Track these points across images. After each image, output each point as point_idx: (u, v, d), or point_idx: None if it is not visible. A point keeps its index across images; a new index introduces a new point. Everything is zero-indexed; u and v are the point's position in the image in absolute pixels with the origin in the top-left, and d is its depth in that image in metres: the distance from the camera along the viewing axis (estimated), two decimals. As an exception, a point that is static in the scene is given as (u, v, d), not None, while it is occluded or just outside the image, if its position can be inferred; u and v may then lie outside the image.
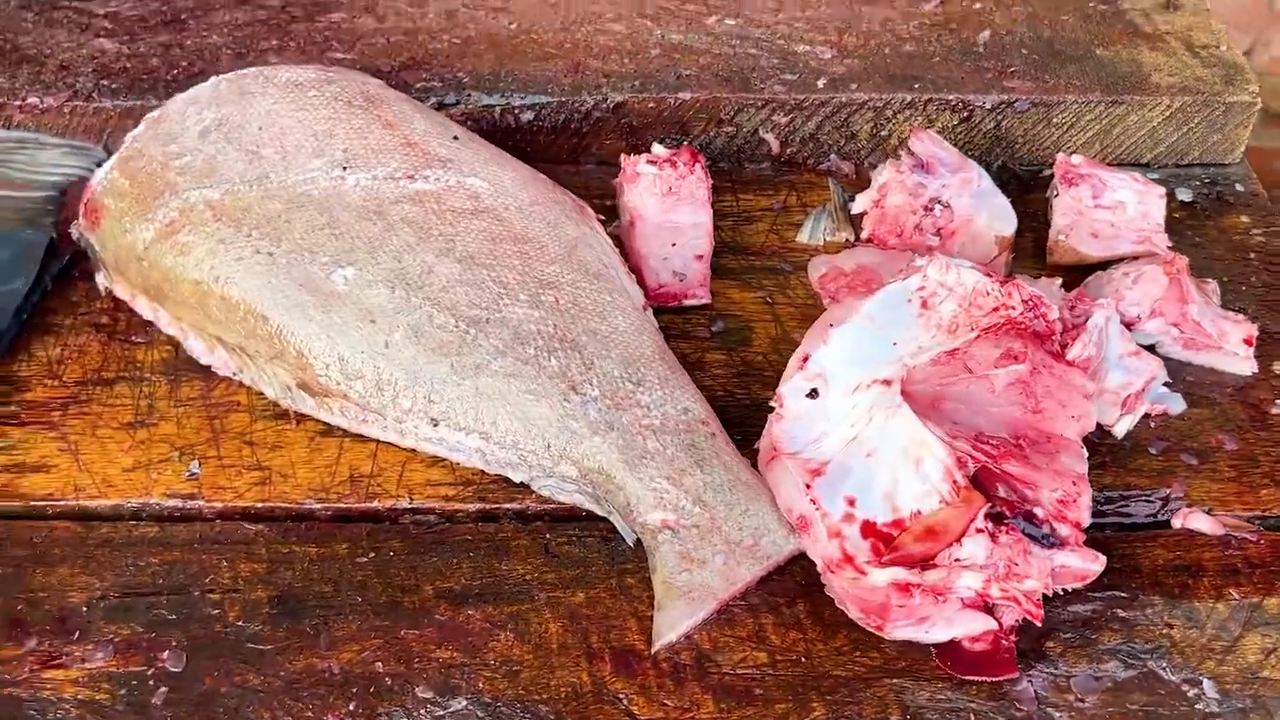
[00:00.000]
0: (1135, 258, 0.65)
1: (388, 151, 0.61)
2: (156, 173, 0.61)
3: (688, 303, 0.65)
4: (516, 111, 0.73)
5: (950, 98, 0.71)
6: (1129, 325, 0.61)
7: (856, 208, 0.68)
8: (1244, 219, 0.71)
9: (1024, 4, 0.79)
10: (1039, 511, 0.51)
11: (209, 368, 0.62)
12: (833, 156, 0.74)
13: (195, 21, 0.81)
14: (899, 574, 0.48)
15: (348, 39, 0.79)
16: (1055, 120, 0.72)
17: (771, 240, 0.70)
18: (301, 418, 0.60)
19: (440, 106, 0.73)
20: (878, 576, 0.49)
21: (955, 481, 0.51)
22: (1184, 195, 0.72)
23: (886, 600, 0.49)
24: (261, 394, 0.60)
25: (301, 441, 0.59)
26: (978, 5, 0.79)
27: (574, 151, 0.75)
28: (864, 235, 0.68)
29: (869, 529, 0.51)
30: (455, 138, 0.63)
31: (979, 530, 0.49)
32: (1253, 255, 0.68)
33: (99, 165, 0.75)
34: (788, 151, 0.74)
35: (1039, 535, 0.51)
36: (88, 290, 0.67)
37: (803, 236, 0.69)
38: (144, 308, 0.63)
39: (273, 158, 0.60)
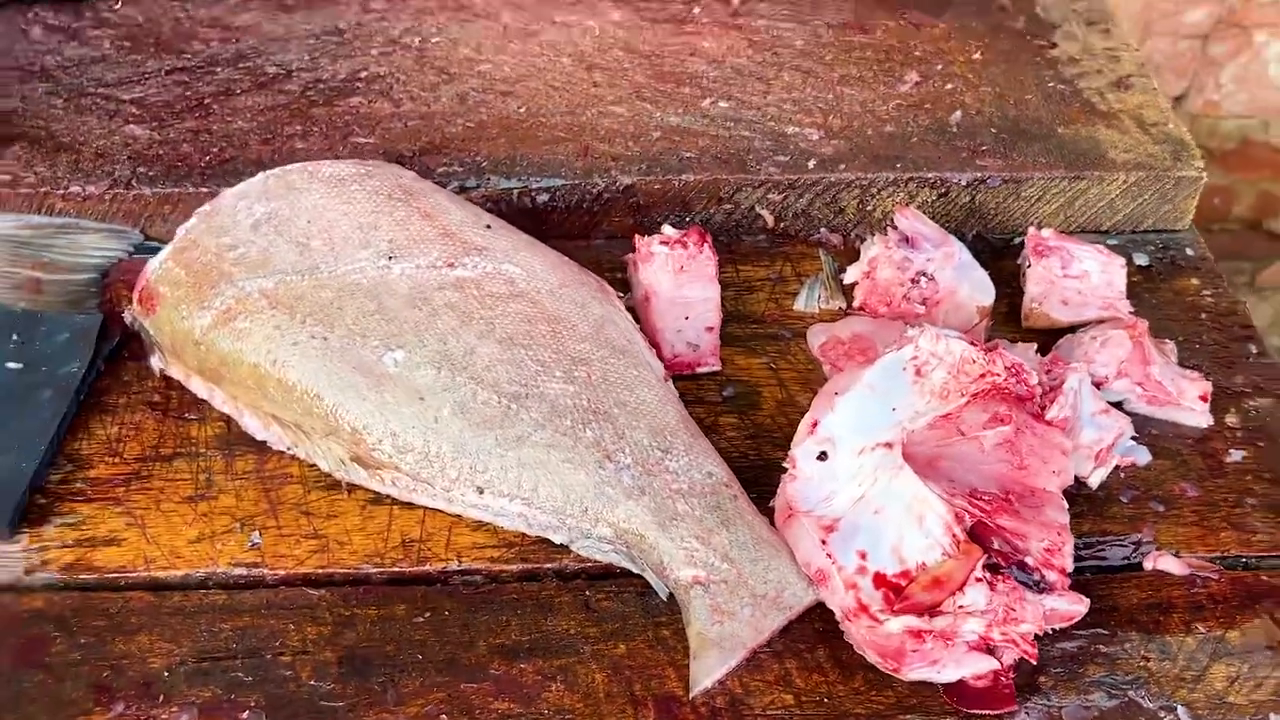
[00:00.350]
0: (1101, 322, 0.72)
1: (428, 241, 0.66)
2: (211, 263, 0.66)
3: (701, 370, 0.71)
4: (533, 194, 0.79)
5: (929, 176, 0.79)
6: (1098, 385, 0.68)
7: (848, 278, 0.75)
8: (1195, 281, 0.78)
9: (990, 84, 0.86)
10: (1029, 560, 0.58)
11: (263, 443, 0.66)
12: (823, 230, 0.81)
13: (219, 106, 0.86)
14: (912, 622, 0.54)
15: (368, 123, 0.84)
16: (1024, 194, 0.79)
17: (771, 308, 0.76)
18: (353, 487, 0.65)
19: (462, 189, 0.78)
20: (893, 625, 0.55)
21: (955, 535, 0.57)
22: (1140, 259, 0.80)
23: (902, 645, 0.55)
24: (313, 466, 0.65)
25: (354, 510, 0.64)
26: (949, 86, 0.86)
27: (585, 228, 0.81)
28: (856, 304, 0.74)
29: (880, 580, 0.57)
30: (488, 226, 0.68)
31: (978, 579, 0.56)
32: (1204, 315, 0.76)
33: (136, 248, 0.80)
34: (781, 225, 0.81)
35: (1031, 582, 0.57)
36: (138, 370, 0.72)
37: (799, 304, 0.76)
38: (199, 387, 0.68)
39: (322, 249, 0.66)
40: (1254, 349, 0.73)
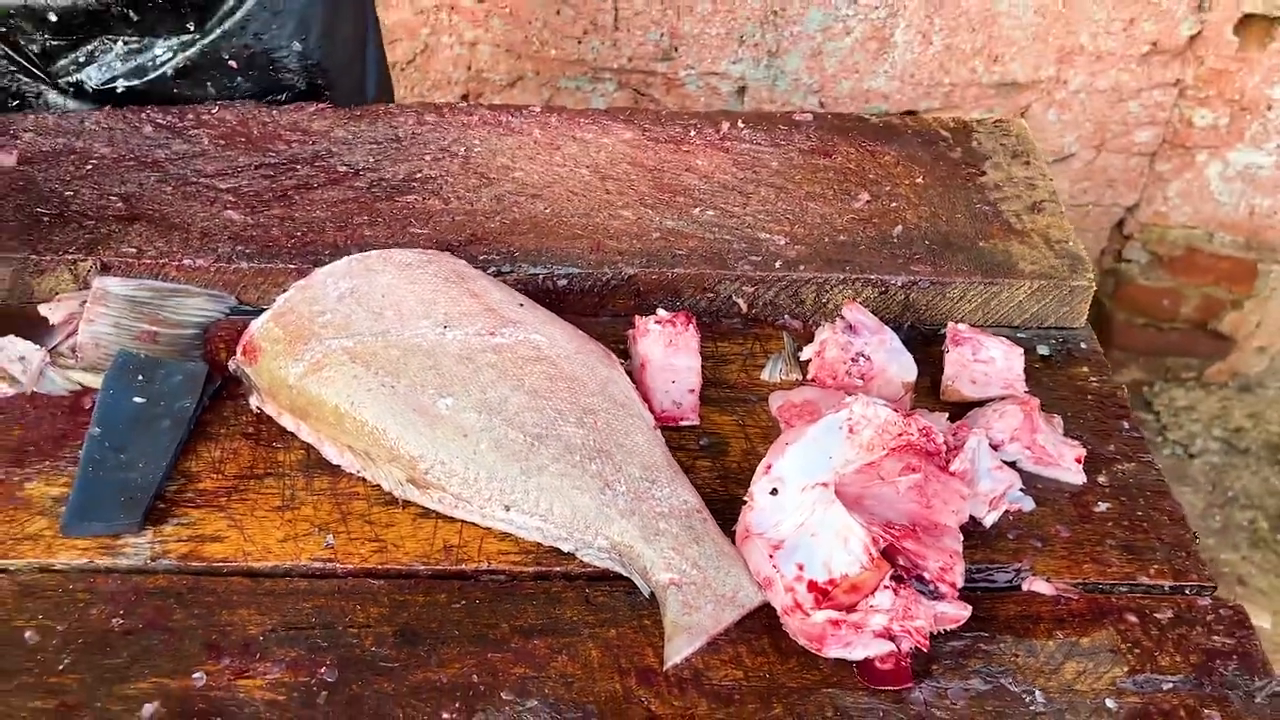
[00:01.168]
0: (1002, 398, 0.91)
1: (475, 315, 0.85)
2: (304, 325, 0.85)
3: (683, 424, 0.89)
4: (555, 279, 0.98)
5: (871, 277, 0.98)
6: (995, 447, 0.86)
7: (804, 356, 0.94)
8: (1085, 369, 0.97)
9: (928, 204, 1.06)
10: (927, 575, 0.75)
11: (337, 467, 0.84)
12: (786, 316, 0.99)
13: (300, 197, 1.06)
14: (832, 614, 0.72)
15: (423, 217, 1.04)
16: (948, 295, 0.98)
17: (742, 378, 0.95)
18: (407, 504, 0.83)
19: (498, 273, 0.97)
20: (818, 616, 0.72)
21: (871, 554, 0.75)
22: (1043, 350, 0.98)
23: (824, 631, 0.72)
24: (377, 486, 0.83)
25: (407, 521, 0.82)
26: (894, 204, 1.06)
27: (595, 307, 1.00)
28: (809, 376, 0.93)
29: (813, 586, 0.75)
30: (521, 304, 0.87)
31: (886, 587, 0.73)
32: (1089, 396, 0.94)
33: (231, 310, 0.99)
34: (753, 311, 1.00)
35: (926, 590, 0.75)
36: (235, 407, 0.90)
37: (764, 375, 0.94)
38: (288, 422, 0.86)
39: (392, 318, 0.84)
40: (1126, 425, 0.92)
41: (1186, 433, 2.31)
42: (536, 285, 0.98)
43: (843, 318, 0.93)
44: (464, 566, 0.80)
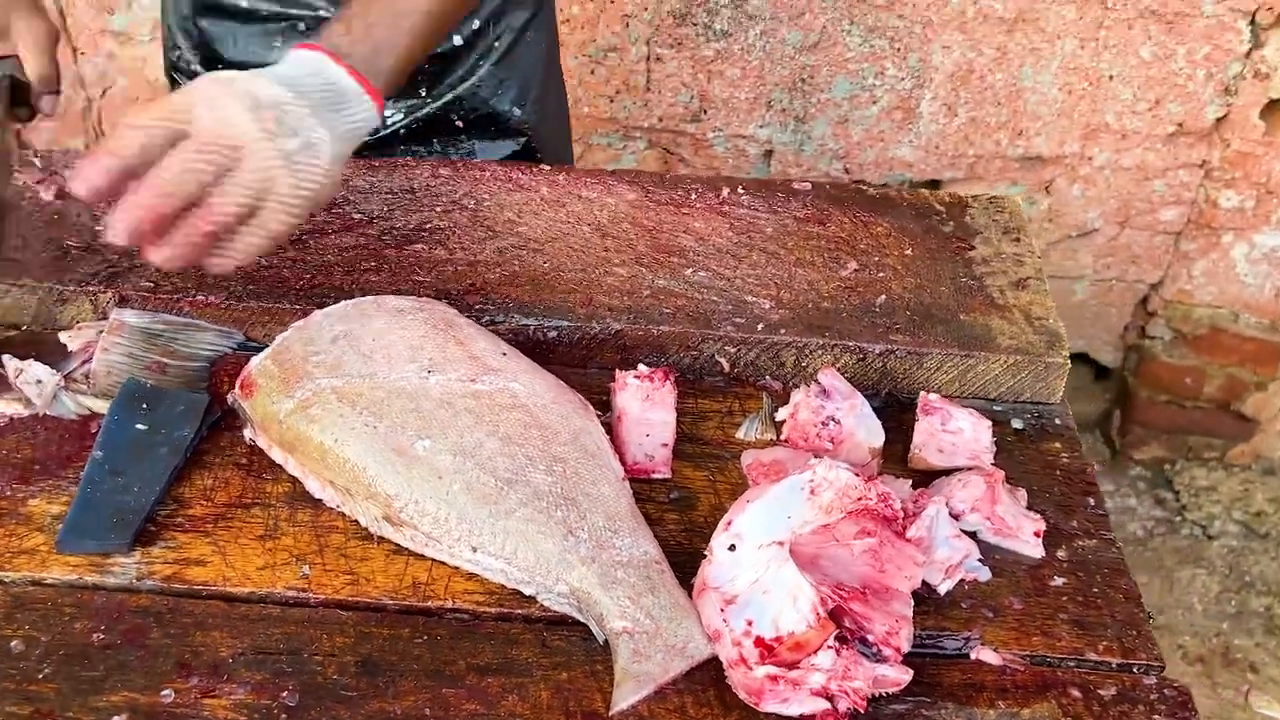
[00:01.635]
0: (968, 469, 0.93)
1: (458, 361, 0.89)
2: (298, 364, 0.90)
3: (654, 476, 0.92)
4: (545, 330, 1.02)
5: (850, 344, 1.01)
6: (956, 516, 0.88)
7: (780, 416, 0.97)
8: (1057, 445, 0.99)
9: (914, 276, 1.09)
10: (871, 637, 0.77)
11: (319, 500, 0.89)
12: (767, 377, 1.03)
13: (314, 241, 1.11)
14: (772, 670, 0.74)
15: (427, 265, 1.09)
16: (925, 364, 1.01)
17: (718, 435, 0.98)
18: (381, 540, 0.86)
19: (491, 323, 1.02)
20: (759, 671, 0.75)
21: (818, 614, 0.77)
22: (1017, 424, 1.00)
23: (763, 686, 0.74)
24: (355, 521, 0.87)
25: (381, 557, 0.86)
26: (881, 274, 1.09)
27: (582, 359, 1.04)
28: (783, 437, 0.96)
29: (759, 642, 0.77)
30: (504, 353, 0.91)
31: (829, 647, 0.76)
32: (1058, 472, 0.96)
33: (239, 345, 1.04)
34: (735, 371, 1.03)
35: (869, 653, 0.77)
36: (231, 438, 0.94)
37: (740, 434, 0.97)
38: (277, 455, 0.90)
39: (380, 361, 0.89)
40: (1092, 502, 0.93)
41: (1206, 514, 2.29)
42: (527, 336, 1.02)
43: (817, 382, 0.95)
44: (430, 604, 0.83)
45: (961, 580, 0.86)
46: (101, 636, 0.79)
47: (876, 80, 2.06)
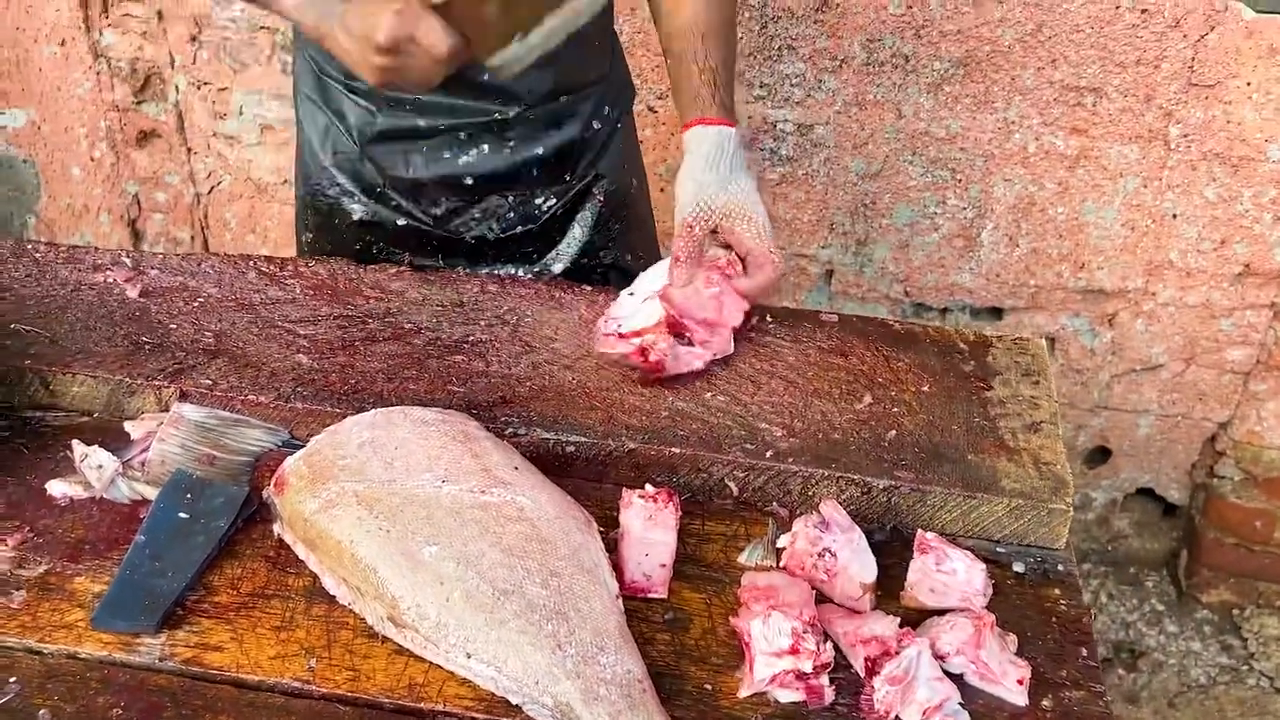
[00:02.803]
0: (960, 610, 0.94)
1: (471, 473, 0.95)
2: (326, 466, 0.97)
3: (651, 596, 0.96)
4: (564, 445, 1.08)
5: (855, 477, 1.03)
6: (941, 658, 0.90)
7: (781, 544, 0.99)
8: (1057, 592, 0.99)
9: (927, 413, 1.11)
10: (690, 338, 1.07)
11: (334, 597, 0.94)
12: (775, 504, 1.06)
13: (363, 348, 1.20)
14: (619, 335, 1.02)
15: (463, 376, 1.16)
16: (928, 502, 1.03)
17: (720, 558, 1.01)
18: (385, 639, 0.91)
19: (514, 435, 1.08)
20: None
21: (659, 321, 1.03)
22: (1018, 567, 1.01)
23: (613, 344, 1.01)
24: (363, 619, 0.93)
25: (383, 655, 0.91)
26: (895, 409, 1.12)
27: (598, 474, 1.08)
28: (781, 564, 0.99)
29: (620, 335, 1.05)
30: (516, 467, 0.97)
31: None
32: (1055, 619, 0.96)
33: (284, 443, 1.12)
34: (743, 495, 1.06)
35: (683, 342, 1.05)
36: (263, 531, 1.01)
37: (742, 558, 1.00)
38: (301, 551, 0.97)
39: (400, 468, 0.95)
40: (1085, 652, 0.93)
41: (1275, 664, 2.19)
42: (547, 449, 1.08)
43: (818, 513, 0.98)
44: (423, 704, 0.87)
45: (941, 723, 0.87)
46: (120, 712, 0.86)
47: (938, 209, 2.10)
